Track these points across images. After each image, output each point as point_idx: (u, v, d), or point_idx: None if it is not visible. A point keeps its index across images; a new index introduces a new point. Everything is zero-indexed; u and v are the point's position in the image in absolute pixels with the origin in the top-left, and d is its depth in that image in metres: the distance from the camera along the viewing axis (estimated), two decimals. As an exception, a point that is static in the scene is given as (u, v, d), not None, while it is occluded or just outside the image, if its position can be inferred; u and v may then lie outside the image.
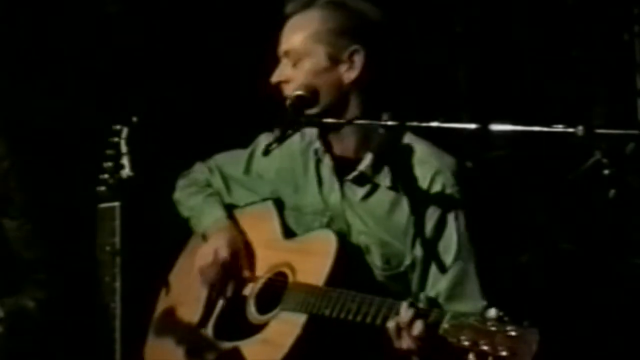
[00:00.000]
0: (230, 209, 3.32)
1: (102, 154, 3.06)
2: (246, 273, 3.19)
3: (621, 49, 4.73)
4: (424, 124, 2.82)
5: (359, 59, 3.00)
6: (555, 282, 4.40)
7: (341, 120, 3.00)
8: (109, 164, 3.04)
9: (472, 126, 2.71)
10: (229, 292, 3.20)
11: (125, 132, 3.05)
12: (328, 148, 3.11)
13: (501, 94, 4.75)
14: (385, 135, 3.02)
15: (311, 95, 3.00)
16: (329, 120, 3.00)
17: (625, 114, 4.71)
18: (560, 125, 2.58)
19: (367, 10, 3.06)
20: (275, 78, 3.08)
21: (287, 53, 3.06)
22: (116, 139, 3.05)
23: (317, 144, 3.13)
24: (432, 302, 2.91)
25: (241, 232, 3.26)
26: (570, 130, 2.55)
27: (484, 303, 2.88)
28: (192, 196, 3.37)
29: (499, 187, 4.51)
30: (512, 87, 4.76)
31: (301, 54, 3.03)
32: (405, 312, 2.73)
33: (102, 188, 3.04)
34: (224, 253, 3.18)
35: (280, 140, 2.96)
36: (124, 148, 3.03)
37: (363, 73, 3.01)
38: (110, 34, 4.43)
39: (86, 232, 3.08)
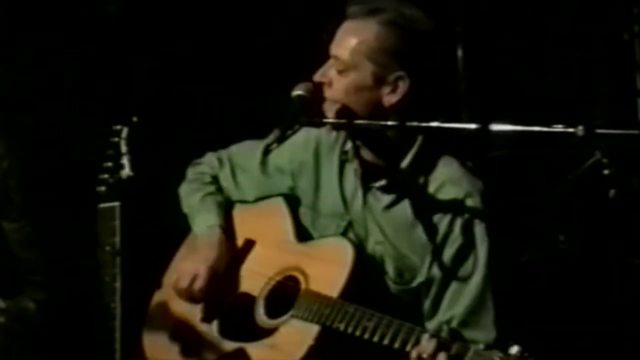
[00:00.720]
0: (233, 205, 3.30)
1: (102, 154, 3.06)
2: (228, 288, 3.16)
3: (621, 49, 4.73)
4: (424, 124, 2.81)
5: (403, 86, 2.95)
6: (555, 282, 4.40)
7: (341, 121, 2.98)
8: (109, 164, 3.04)
9: (472, 126, 2.71)
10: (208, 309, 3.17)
11: (125, 132, 3.05)
12: (357, 152, 3.07)
13: (501, 94, 4.75)
14: (418, 149, 3.00)
15: (311, 96, 2.99)
16: (328, 120, 2.99)
17: (625, 114, 4.71)
18: (560, 125, 2.58)
19: (425, 40, 3.00)
20: (318, 77, 3.02)
21: (336, 57, 3.00)
22: (116, 139, 3.05)
23: (349, 146, 3.09)
24: (445, 326, 2.90)
25: (234, 241, 3.22)
26: (570, 130, 2.54)
27: (495, 334, 2.86)
28: (192, 193, 3.32)
29: (499, 187, 4.51)
30: (512, 87, 4.76)
31: (349, 64, 2.97)
32: (427, 343, 2.72)
33: (102, 188, 3.03)
34: (200, 282, 3.12)
35: (280, 140, 2.94)
36: (124, 148, 3.03)
37: (403, 100, 2.95)
38: (110, 34, 4.43)
39: (86, 232, 3.08)
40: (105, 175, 3.03)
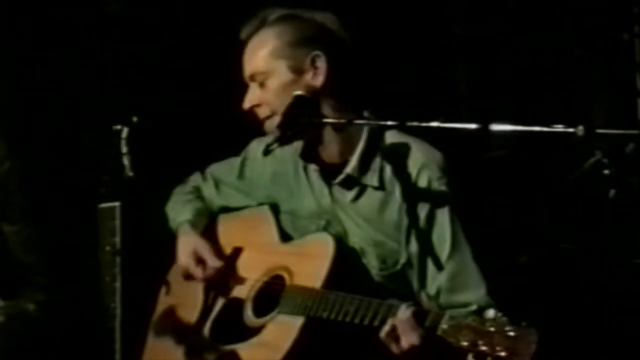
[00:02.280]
0: (221, 211, 3.34)
1: (102, 154, 3.06)
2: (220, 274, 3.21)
3: (621, 49, 4.73)
4: (424, 124, 2.82)
5: (321, 64, 3.03)
6: (555, 282, 4.40)
7: (341, 121, 3.00)
8: (109, 164, 3.04)
9: (472, 126, 2.71)
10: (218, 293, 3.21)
11: (125, 132, 3.05)
12: (313, 155, 3.12)
13: (501, 94, 4.75)
14: (367, 136, 3.04)
15: (312, 96, 3.00)
16: (329, 120, 3.00)
17: (625, 114, 4.71)
18: (560, 125, 2.58)
19: (318, 17, 3.09)
20: (247, 104, 3.11)
21: (252, 77, 3.10)
22: (116, 139, 3.05)
23: (298, 152, 3.15)
24: (435, 298, 2.92)
25: (220, 249, 3.27)
26: (570, 130, 2.55)
27: (485, 290, 2.89)
28: (174, 206, 3.42)
29: (499, 187, 4.51)
30: (512, 87, 4.76)
31: (265, 73, 3.06)
32: (403, 312, 2.74)
33: (102, 188, 3.04)
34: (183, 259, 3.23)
35: (280, 140, 2.96)
36: (124, 148, 3.03)
37: (329, 76, 3.03)
38: (110, 34, 4.43)
39: (86, 233, 3.08)
40: (105, 176, 3.04)
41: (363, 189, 3.05)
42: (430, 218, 2.96)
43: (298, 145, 3.15)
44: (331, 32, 3.06)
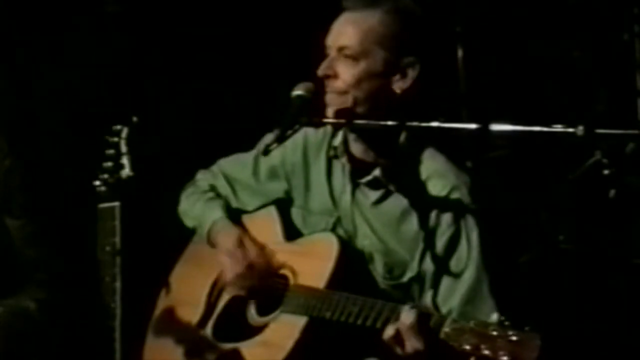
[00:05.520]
0: (237, 214, 3.30)
1: (102, 154, 3.06)
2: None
3: (621, 49, 4.73)
4: (424, 124, 2.81)
5: (412, 72, 2.96)
6: (555, 282, 4.40)
7: (340, 120, 2.98)
8: (109, 164, 3.04)
9: (472, 126, 2.71)
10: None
11: (125, 132, 3.05)
12: (346, 148, 3.08)
13: (501, 94, 4.75)
14: (405, 145, 3.00)
15: (311, 96, 2.98)
16: (328, 120, 2.99)
17: (625, 114, 4.71)
18: (560, 125, 2.58)
19: (428, 26, 3.02)
20: (322, 71, 2.99)
21: (341, 48, 2.97)
22: (116, 139, 3.05)
23: (338, 141, 3.10)
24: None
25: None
26: (570, 130, 2.55)
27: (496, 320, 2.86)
28: (194, 204, 3.33)
29: (499, 187, 4.51)
30: (512, 87, 4.76)
31: (359, 52, 2.95)
32: (406, 315, 2.73)
33: (102, 188, 3.04)
34: (234, 269, 3.13)
35: (280, 140, 2.94)
36: (124, 148, 3.03)
37: (413, 86, 2.97)
38: (110, 34, 4.43)
39: (86, 232, 3.08)
40: (105, 175, 3.04)
41: (388, 194, 3.01)
42: (453, 240, 2.92)
43: (328, 134, 3.12)
44: (433, 42, 3.01)
